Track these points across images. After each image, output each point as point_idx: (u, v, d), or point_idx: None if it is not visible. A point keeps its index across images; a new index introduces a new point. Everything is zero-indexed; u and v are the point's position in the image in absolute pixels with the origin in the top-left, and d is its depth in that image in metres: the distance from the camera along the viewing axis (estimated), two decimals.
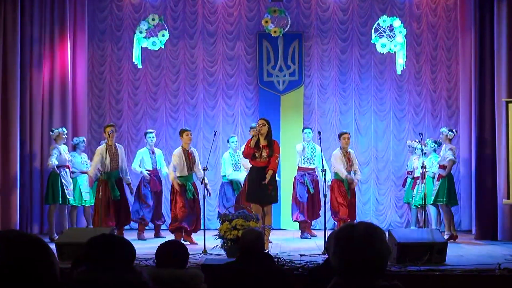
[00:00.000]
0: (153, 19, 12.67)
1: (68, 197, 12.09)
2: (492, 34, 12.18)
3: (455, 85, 14.06)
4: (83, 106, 13.63)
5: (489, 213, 12.05)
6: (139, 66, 13.02)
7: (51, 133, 12.23)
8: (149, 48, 12.88)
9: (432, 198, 11.84)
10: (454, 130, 12.18)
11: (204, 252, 9.66)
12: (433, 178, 12.05)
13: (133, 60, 12.85)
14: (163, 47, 13.10)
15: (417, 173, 12.65)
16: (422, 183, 11.56)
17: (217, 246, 9.59)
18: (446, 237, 11.08)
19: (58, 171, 12.00)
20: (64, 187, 12.04)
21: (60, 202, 12.03)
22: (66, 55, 13.13)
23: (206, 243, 9.85)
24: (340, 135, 12.12)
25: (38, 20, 12.94)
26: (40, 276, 2.52)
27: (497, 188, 11.93)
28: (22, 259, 2.49)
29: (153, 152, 12.60)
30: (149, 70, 14.40)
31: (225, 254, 9.36)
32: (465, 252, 10.12)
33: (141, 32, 12.62)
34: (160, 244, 4.95)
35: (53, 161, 11.89)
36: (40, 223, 12.92)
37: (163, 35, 12.71)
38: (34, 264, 2.51)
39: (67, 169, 12.18)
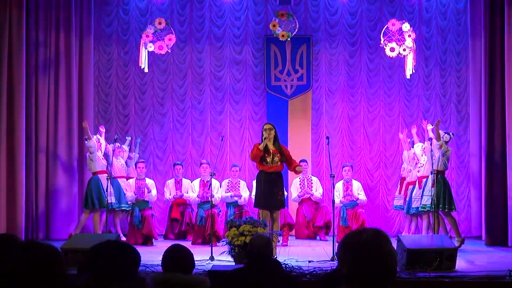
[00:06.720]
0: (159, 23, 12.62)
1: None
2: (502, 38, 12.09)
3: (465, 90, 13.93)
4: (89, 111, 13.56)
5: (500, 219, 11.98)
6: (146, 70, 12.95)
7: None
8: (155, 52, 12.81)
9: (429, 205, 11.23)
10: (451, 133, 11.94)
11: (211, 258, 9.57)
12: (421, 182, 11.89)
13: (140, 64, 12.79)
14: (169, 51, 13.04)
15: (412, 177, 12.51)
16: (433, 187, 11.25)
17: (224, 252, 9.49)
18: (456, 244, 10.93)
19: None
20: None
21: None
22: (72, 59, 13.08)
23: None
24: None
25: (43, 24, 12.93)
26: (51, 282, 2.77)
27: (508, 194, 11.86)
28: (37, 266, 2.75)
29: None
30: (156, 74, 14.33)
31: (232, 260, 9.26)
32: (475, 258, 10.01)
33: (147, 36, 12.55)
34: (166, 249, 4.93)
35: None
36: (46, 228, 12.84)
37: (169, 39, 12.64)
38: (48, 271, 2.78)
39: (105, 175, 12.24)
